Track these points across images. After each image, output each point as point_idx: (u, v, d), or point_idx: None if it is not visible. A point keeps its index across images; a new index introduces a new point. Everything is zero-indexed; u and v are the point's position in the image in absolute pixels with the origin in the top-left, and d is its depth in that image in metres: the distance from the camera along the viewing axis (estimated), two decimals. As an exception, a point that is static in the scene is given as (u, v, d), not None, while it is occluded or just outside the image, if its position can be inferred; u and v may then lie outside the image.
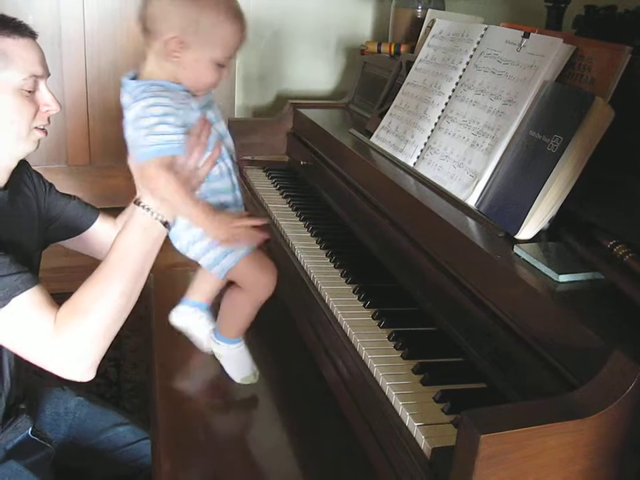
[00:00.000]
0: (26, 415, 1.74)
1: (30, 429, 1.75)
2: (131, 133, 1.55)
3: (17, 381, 1.73)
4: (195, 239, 1.68)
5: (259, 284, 1.74)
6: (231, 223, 1.57)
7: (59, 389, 1.97)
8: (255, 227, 1.62)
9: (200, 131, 1.58)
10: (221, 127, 1.71)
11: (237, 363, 1.85)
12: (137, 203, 1.53)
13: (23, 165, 1.75)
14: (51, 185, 1.86)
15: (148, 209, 1.52)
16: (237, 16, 1.56)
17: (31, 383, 1.87)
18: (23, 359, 1.62)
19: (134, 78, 1.61)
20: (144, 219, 1.52)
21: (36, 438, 1.77)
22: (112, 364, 2.78)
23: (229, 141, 1.74)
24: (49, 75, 1.63)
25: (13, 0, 3.77)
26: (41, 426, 1.81)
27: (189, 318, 1.91)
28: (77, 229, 1.88)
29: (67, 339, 1.44)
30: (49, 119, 1.63)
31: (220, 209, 1.65)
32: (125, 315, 1.53)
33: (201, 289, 1.92)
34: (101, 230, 1.92)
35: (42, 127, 1.61)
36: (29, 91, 1.55)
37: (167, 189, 1.50)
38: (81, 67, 4.04)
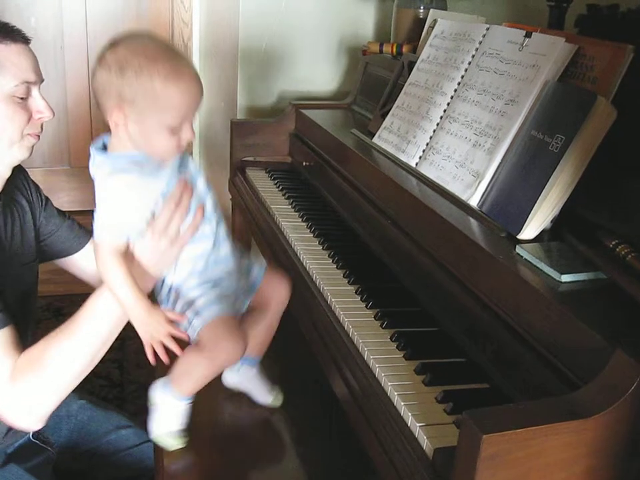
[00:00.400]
0: None
1: (31, 433, 1.75)
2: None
3: None
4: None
5: (221, 350, 1.57)
6: (161, 327, 1.49)
7: None
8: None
9: (180, 196, 1.53)
10: (201, 184, 1.62)
11: (169, 417, 1.64)
12: None
13: (20, 175, 1.76)
14: (47, 199, 1.85)
15: None
16: (177, 75, 1.46)
17: None
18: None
19: (104, 147, 1.55)
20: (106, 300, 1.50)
21: (37, 441, 1.77)
22: (115, 365, 2.78)
23: (210, 201, 1.64)
24: (42, 80, 1.61)
25: (15, 2, 3.78)
26: (42, 429, 1.81)
27: (238, 375, 1.82)
28: (67, 250, 1.88)
29: (22, 389, 1.45)
30: (41, 126, 1.62)
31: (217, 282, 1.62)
32: (85, 374, 1.53)
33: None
34: (91, 255, 1.89)
35: (36, 134, 1.60)
36: (22, 98, 1.54)
37: (112, 276, 1.47)
38: (83, 68, 4.05)
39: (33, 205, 1.78)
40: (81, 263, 1.91)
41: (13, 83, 1.52)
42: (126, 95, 1.45)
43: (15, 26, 1.57)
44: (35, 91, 1.58)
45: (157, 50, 1.47)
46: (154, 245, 1.50)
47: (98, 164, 1.51)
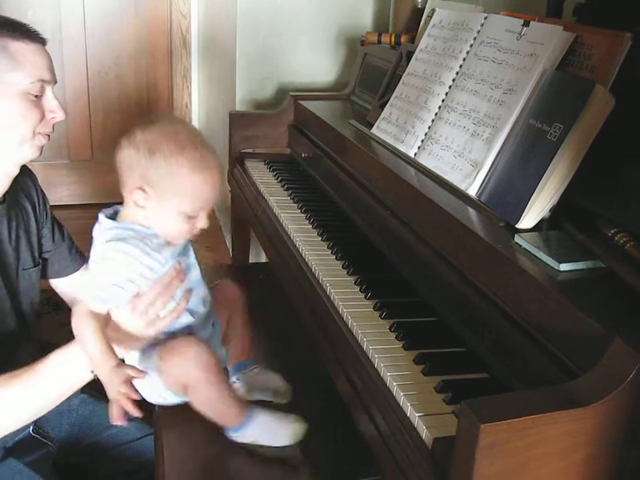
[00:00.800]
0: None
1: (31, 427, 1.75)
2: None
3: None
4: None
5: (190, 372, 1.55)
6: (120, 386, 1.44)
7: None
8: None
9: (170, 281, 1.52)
10: (195, 275, 1.63)
11: (270, 433, 1.62)
12: None
13: (29, 180, 1.76)
14: (52, 213, 1.86)
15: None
16: (203, 167, 1.50)
17: None
18: (26, 359, 1.63)
19: (112, 216, 1.57)
20: (77, 359, 1.49)
21: (37, 436, 1.76)
22: (116, 359, 2.78)
23: (201, 291, 1.65)
24: (55, 81, 1.62)
25: (13, -5, 3.78)
26: (42, 424, 1.81)
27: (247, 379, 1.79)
28: (60, 271, 1.88)
29: None
30: (53, 126, 1.63)
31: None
32: (24, 423, 1.54)
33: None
34: (80, 282, 1.91)
35: (47, 134, 1.61)
36: (36, 96, 1.55)
37: (82, 327, 1.46)
38: (81, 62, 4.05)
39: (37, 212, 1.78)
40: (69, 288, 1.91)
41: (28, 80, 1.53)
42: (151, 176, 1.48)
43: (33, 27, 1.60)
44: (48, 90, 1.59)
45: (188, 137, 1.52)
46: (131, 321, 1.50)
47: (103, 229, 1.53)
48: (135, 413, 1.43)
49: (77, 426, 1.91)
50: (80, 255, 1.91)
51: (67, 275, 1.88)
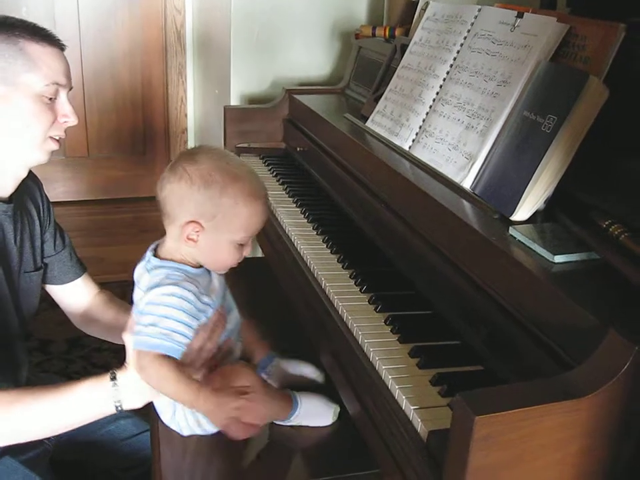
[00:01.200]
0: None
1: None
2: (138, 311, 1.49)
3: (20, 379, 1.73)
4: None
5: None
6: (230, 405, 1.45)
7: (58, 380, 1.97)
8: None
9: (214, 328, 1.52)
10: (235, 315, 1.64)
11: (313, 414, 1.66)
12: (112, 376, 1.47)
13: (35, 185, 1.76)
14: (55, 220, 1.85)
15: (116, 390, 1.46)
16: (257, 196, 1.51)
17: (30, 375, 1.87)
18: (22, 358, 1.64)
19: (154, 252, 1.56)
20: (105, 394, 1.47)
21: None
22: (113, 355, 2.78)
23: (235, 331, 1.65)
24: (71, 87, 1.62)
25: (7, -9, 3.77)
26: None
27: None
28: (59, 278, 1.86)
29: None
30: (65, 132, 1.63)
31: None
32: (35, 438, 1.54)
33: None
34: (78, 292, 1.90)
35: (57, 138, 1.60)
36: (50, 99, 1.55)
37: (161, 382, 1.44)
38: (76, 59, 4.04)
39: (42, 216, 1.77)
40: (68, 296, 1.90)
41: (43, 82, 1.52)
42: (206, 210, 1.47)
43: (52, 32, 1.59)
44: (63, 94, 1.59)
45: (238, 167, 1.52)
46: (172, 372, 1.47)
47: (150, 267, 1.52)
48: (253, 430, 1.50)
49: None
50: (79, 263, 1.90)
51: (65, 283, 1.87)
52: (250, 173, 1.54)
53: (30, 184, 1.73)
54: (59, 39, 1.60)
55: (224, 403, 1.45)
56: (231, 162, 1.53)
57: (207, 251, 1.52)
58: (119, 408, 1.46)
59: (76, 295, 1.89)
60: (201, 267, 1.55)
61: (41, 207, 1.78)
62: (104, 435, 1.89)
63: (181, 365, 1.44)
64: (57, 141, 1.60)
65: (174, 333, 1.43)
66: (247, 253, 1.57)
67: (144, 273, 1.54)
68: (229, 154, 1.59)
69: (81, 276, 1.89)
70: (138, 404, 1.49)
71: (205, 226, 1.48)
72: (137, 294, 1.55)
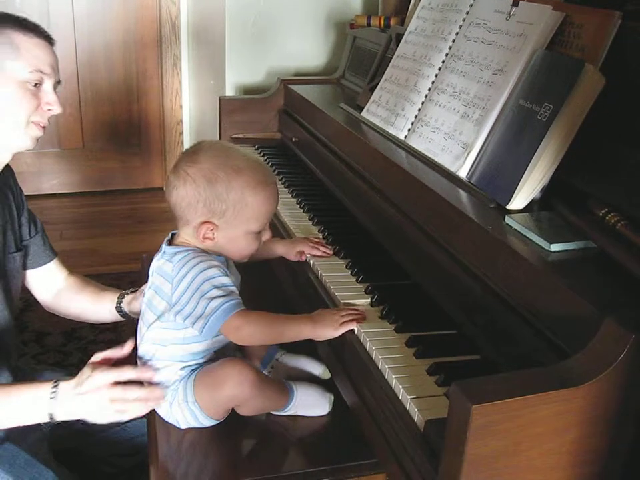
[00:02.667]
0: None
1: None
2: (181, 301, 1.49)
3: (8, 365, 1.73)
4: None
5: (236, 398, 1.57)
6: (336, 317, 1.47)
7: (49, 371, 1.98)
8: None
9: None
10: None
11: (309, 404, 1.66)
12: (54, 385, 1.47)
13: (8, 173, 1.78)
14: (26, 202, 1.88)
15: (54, 399, 1.46)
16: (263, 183, 1.52)
17: (22, 366, 1.88)
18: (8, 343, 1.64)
19: (168, 243, 1.60)
20: (40, 401, 1.46)
21: None
22: (109, 347, 2.77)
23: None
24: (59, 81, 1.67)
25: (0, -18, 3.75)
26: None
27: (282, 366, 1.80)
28: (34, 262, 1.89)
29: None
30: (49, 119, 1.67)
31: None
32: None
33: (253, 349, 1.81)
34: (48, 276, 1.94)
35: (41, 124, 1.64)
36: (35, 85, 1.60)
37: (264, 331, 1.48)
38: (71, 50, 4.02)
39: (17, 202, 1.81)
40: (42, 280, 1.93)
41: (27, 69, 1.57)
42: (216, 208, 1.49)
43: (42, 27, 1.66)
44: (48, 84, 1.63)
45: (240, 159, 1.53)
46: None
47: (169, 257, 1.53)
48: (361, 316, 1.48)
49: None
50: (51, 247, 1.94)
51: (40, 266, 1.90)
52: (252, 162, 1.55)
53: (3, 170, 1.75)
54: (47, 33, 1.66)
55: (331, 313, 1.48)
56: (232, 155, 1.54)
57: (226, 245, 1.55)
58: (52, 417, 1.47)
59: (49, 278, 1.93)
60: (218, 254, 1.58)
61: (16, 192, 1.81)
62: None
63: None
64: (42, 127, 1.65)
65: (227, 288, 1.47)
66: (265, 238, 1.59)
67: (164, 263, 1.54)
68: (229, 147, 1.59)
69: (53, 259, 1.93)
70: (69, 418, 1.49)
71: (218, 223, 1.50)
72: (158, 285, 1.56)
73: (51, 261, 1.92)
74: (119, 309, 1.89)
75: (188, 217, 1.52)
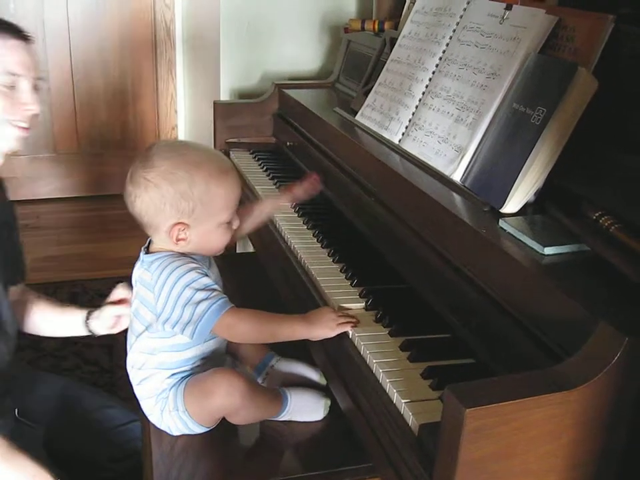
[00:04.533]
0: (9, 399, 1.73)
1: (16, 410, 1.75)
2: (166, 309, 1.49)
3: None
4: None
5: (227, 408, 1.57)
6: (333, 317, 1.46)
7: (44, 373, 1.98)
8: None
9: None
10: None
11: (304, 410, 1.66)
12: None
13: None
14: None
15: None
16: (225, 171, 1.52)
17: (16, 367, 1.87)
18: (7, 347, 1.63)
19: (146, 251, 1.59)
20: None
21: (23, 419, 1.77)
22: (105, 351, 2.77)
23: None
24: (36, 78, 1.63)
25: (-6, -13, 3.75)
26: (27, 408, 1.81)
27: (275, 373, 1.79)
28: (12, 279, 1.81)
29: None
30: (31, 120, 1.64)
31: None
32: None
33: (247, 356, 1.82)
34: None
35: (21, 125, 1.61)
36: (9, 87, 1.57)
37: (255, 329, 1.48)
38: (65, 54, 4.02)
39: (6, 211, 1.78)
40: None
41: None
42: (184, 207, 1.48)
43: (16, 25, 1.62)
44: (24, 84, 1.60)
45: (195, 154, 1.52)
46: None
47: (147, 265, 1.53)
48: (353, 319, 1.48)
49: (61, 410, 1.91)
50: (25, 268, 1.88)
51: (15, 284, 1.83)
52: (208, 153, 1.55)
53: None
54: (21, 31, 1.61)
55: (328, 312, 1.48)
56: (186, 152, 1.52)
57: (200, 241, 1.53)
58: None
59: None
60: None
61: (6, 202, 1.79)
62: (92, 423, 1.91)
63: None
64: (24, 129, 1.61)
65: (210, 288, 1.47)
66: (236, 225, 1.58)
67: (144, 273, 1.54)
68: (180, 144, 1.57)
69: (22, 281, 1.87)
70: None
71: (189, 222, 1.49)
72: (142, 295, 1.55)
73: (19, 283, 1.85)
74: (87, 324, 1.86)
75: (157, 222, 1.51)
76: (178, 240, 1.51)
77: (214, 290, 1.47)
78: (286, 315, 1.51)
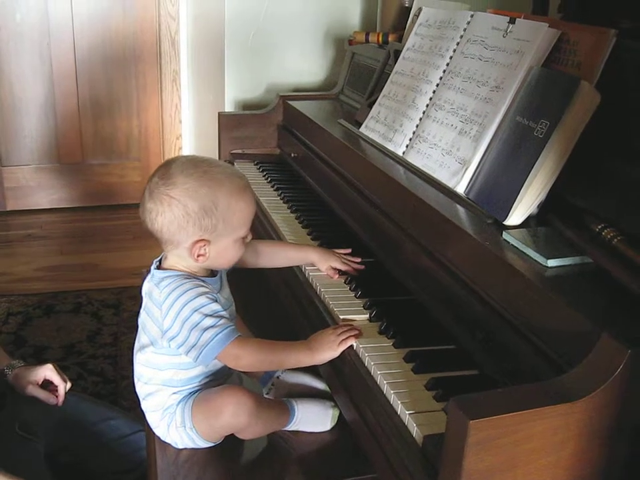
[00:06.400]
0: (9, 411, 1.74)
1: (17, 425, 1.76)
2: (173, 329, 1.50)
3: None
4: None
5: (235, 425, 1.57)
6: (332, 338, 1.46)
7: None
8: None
9: None
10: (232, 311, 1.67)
11: (311, 420, 1.68)
12: None
13: None
14: None
15: None
16: (243, 187, 1.54)
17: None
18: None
19: (157, 266, 1.59)
20: None
21: (24, 433, 1.77)
22: (109, 361, 2.78)
23: None
24: None
25: (0, -1, 3.77)
26: (28, 421, 1.81)
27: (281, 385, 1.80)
28: None
29: None
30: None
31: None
32: None
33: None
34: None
35: None
36: None
37: (260, 358, 1.49)
38: (70, 64, 4.04)
39: None
40: None
41: None
42: (208, 224, 1.49)
43: None
44: None
45: (216, 171, 1.52)
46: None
47: (157, 281, 1.53)
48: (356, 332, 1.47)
49: (62, 423, 1.91)
50: None
51: None
52: (227, 170, 1.55)
53: None
54: None
55: (327, 334, 1.48)
56: (207, 168, 1.53)
57: (217, 257, 1.55)
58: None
59: None
60: (210, 275, 1.59)
61: None
62: (96, 435, 1.91)
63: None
64: None
65: (218, 314, 1.47)
66: (249, 239, 1.60)
67: (153, 288, 1.55)
68: (200, 159, 1.56)
69: None
70: None
71: (211, 239, 1.50)
72: (150, 309, 1.56)
73: None
74: (2, 374, 1.87)
75: (178, 239, 1.51)
76: (199, 256, 1.52)
77: (221, 317, 1.48)
78: (289, 342, 1.52)
